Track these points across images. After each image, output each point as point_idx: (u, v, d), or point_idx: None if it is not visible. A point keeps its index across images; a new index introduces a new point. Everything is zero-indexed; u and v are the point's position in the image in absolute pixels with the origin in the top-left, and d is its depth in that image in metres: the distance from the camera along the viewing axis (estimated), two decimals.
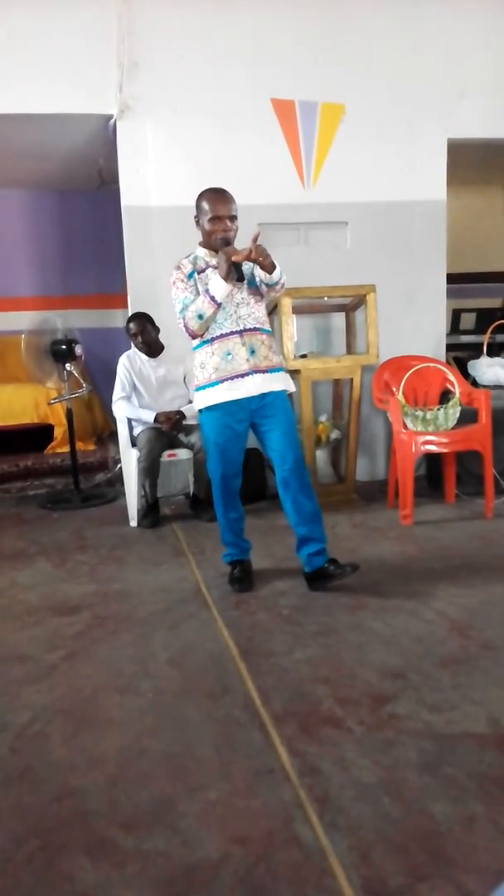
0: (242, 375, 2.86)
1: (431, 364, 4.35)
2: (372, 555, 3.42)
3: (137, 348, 4.24)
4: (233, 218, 2.88)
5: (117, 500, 4.68)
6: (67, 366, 4.72)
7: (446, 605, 2.78)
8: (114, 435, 4.89)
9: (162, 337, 4.26)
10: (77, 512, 4.55)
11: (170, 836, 1.59)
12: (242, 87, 4.43)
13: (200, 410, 2.99)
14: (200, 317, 2.82)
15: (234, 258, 2.74)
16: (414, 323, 4.72)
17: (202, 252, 2.96)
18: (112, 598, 3.06)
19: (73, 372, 4.72)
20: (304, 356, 4.31)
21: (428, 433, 3.88)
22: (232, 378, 2.86)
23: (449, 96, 4.62)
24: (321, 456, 4.49)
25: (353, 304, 4.49)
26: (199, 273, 2.90)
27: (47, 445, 5.51)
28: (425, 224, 4.68)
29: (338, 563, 2.99)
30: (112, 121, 4.43)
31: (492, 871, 1.42)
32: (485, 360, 4.62)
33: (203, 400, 2.94)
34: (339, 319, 4.70)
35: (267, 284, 2.85)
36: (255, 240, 2.71)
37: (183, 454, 4.17)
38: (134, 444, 4.16)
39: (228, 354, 2.86)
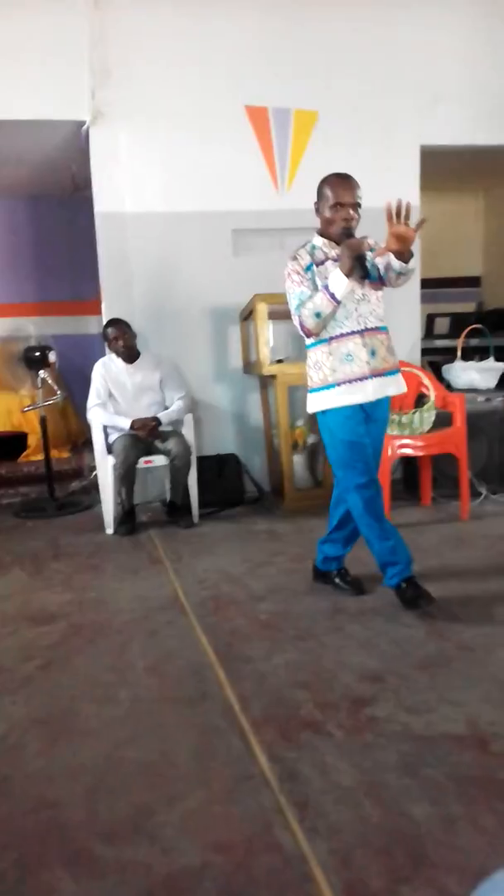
0: (362, 379, 2.65)
1: (406, 368, 4.37)
2: (350, 558, 3.42)
3: (116, 353, 4.22)
4: (357, 206, 2.66)
5: (93, 508, 4.64)
6: (41, 373, 4.68)
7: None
8: (89, 442, 4.86)
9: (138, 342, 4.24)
10: (52, 520, 4.50)
11: (149, 845, 1.57)
12: (216, 93, 4.45)
13: (318, 414, 2.77)
14: (318, 315, 2.59)
15: (392, 249, 2.47)
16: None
17: (321, 242, 2.72)
18: (88, 606, 3.03)
19: (47, 379, 4.68)
20: (280, 361, 4.32)
21: (404, 437, 3.90)
22: (351, 381, 2.66)
23: (422, 103, 4.67)
24: (298, 460, 4.50)
25: None
26: (317, 265, 2.67)
27: (21, 454, 5.46)
28: None
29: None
30: (85, 127, 4.41)
31: (472, 872, 1.42)
32: (459, 365, 4.66)
33: (318, 403, 2.74)
34: None
35: (398, 272, 2.57)
36: (418, 227, 2.47)
37: (159, 461, 4.15)
38: (110, 451, 4.14)
39: (348, 356, 2.65)
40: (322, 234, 2.73)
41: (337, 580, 3.01)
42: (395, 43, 4.60)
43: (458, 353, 4.72)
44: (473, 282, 7.07)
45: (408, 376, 4.34)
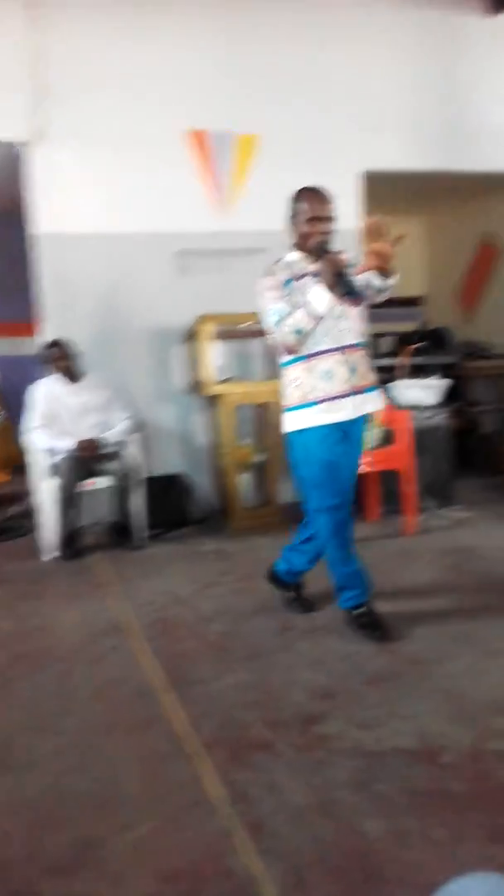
0: (342, 397, 2.58)
1: None
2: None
3: (60, 372, 4.14)
4: (331, 219, 2.61)
5: (34, 533, 4.52)
6: None
7: None
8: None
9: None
10: None
11: (97, 878, 1.51)
12: (157, 115, 4.46)
13: (294, 433, 2.69)
14: (299, 331, 2.51)
15: (371, 266, 2.42)
16: None
17: (298, 256, 2.65)
18: (31, 634, 2.93)
19: None
20: (225, 381, 4.32)
21: None
22: (331, 399, 2.58)
23: (361, 128, 4.78)
24: (245, 479, 4.49)
25: None
26: (296, 280, 2.59)
27: None
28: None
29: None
30: (22, 147, 4.37)
31: (425, 885, 1.41)
32: (404, 382, 4.74)
33: (296, 422, 2.65)
34: (259, 345, 4.75)
35: (378, 289, 2.54)
36: (395, 243, 2.42)
37: (104, 482, 4.08)
38: (53, 474, 4.05)
39: (328, 373, 2.57)
40: (299, 248, 2.66)
41: (292, 596, 2.99)
42: (336, 69, 4.70)
43: (403, 372, 4.80)
44: (416, 302, 7.24)
45: None
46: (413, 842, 1.56)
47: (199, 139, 4.55)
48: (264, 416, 4.65)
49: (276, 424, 4.28)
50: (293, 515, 4.43)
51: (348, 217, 4.82)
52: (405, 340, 5.80)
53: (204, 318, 4.19)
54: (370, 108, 4.78)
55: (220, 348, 4.43)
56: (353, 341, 2.63)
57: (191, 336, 4.47)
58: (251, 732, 2.05)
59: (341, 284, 2.46)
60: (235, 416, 4.30)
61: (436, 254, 6.81)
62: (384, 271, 2.46)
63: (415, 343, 4.99)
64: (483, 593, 3.04)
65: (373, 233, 2.40)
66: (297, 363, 2.62)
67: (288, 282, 2.59)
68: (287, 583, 3.03)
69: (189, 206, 4.55)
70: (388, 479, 4.31)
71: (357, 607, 2.73)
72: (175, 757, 1.95)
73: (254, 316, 4.35)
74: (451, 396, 4.86)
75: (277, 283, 2.59)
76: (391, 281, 2.51)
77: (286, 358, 2.65)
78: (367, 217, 2.42)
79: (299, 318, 2.50)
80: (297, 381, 2.63)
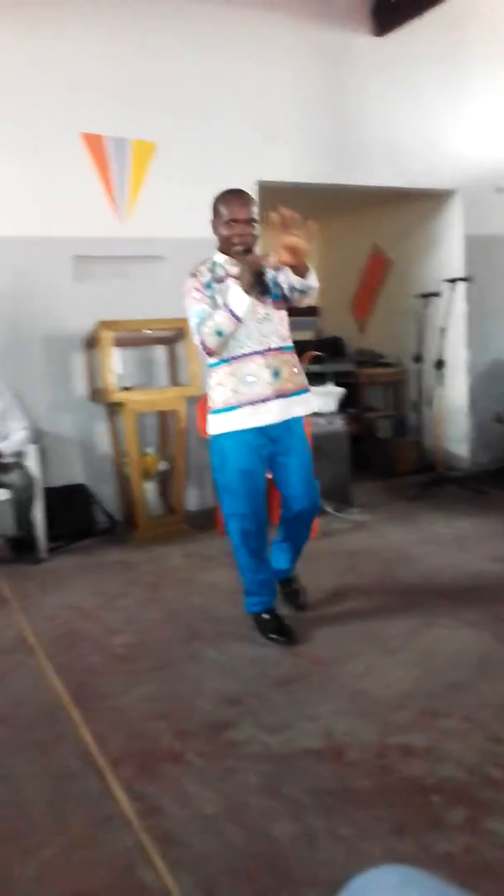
0: (265, 401, 2.56)
1: None
2: (205, 583, 3.43)
3: None
4: (252, 221, 2.56)
5: None
6: None
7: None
8: None
9: None
10: None
11: None
12: (52, 119, 4.37)
13: (214, 436, 2.66)
14: (219, 333, 2.48)
15: (285, 261, 2.37)
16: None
17: (222, 259, 2.63)
18: None
19: None
20: (127, 389, 4.27)
21: None
22: (253, 403, 2.56)
23: (256, 139, 4.86)
24: (149, 488, 4.46)
25: (173, 336, 4.54)
26: (217, 283, 2.57)
27: None
28: None
29: (301, 595, 3.01)
30: None
31: (334, 883, 1.45)
32: None
33: (219, 425, 2.63)
34: (161, 352, 4.74)
35: (300, 290, 2.51)
36: (307, 236, 2.35)
37: (1, 494, 3.95)
38: None
39: (250, 377, 2.55)
40: (221, 251, 2.65)
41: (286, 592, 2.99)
42: (231, 80, 4.76)
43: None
44: (311, 311, 7.42)
45: None
46: (321, 841, 1.60)
47: (96, 144, 4.49)
48: (168, 423, 4.64)
49: (181, 432, 4.29)
50: (199, 522, 4.45)
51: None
52: (300, 349, 5.93)
53: (103, 325, 4.14)
54: (264, 121, 4.87)
55: (122, 355, 4.39)
56: (278, 344, 2.61)
57: (91, 343, 4.40)
58: (160, 744, 2.04)
59: (259, 286, 2.45)
60: (138, 425, 4.27)
61: (329, 264, 7.01)
62: (299, 268, 2.43)
63: (309, 351, 5.10)
64: (381, 593, 3.15)
65: (282, 226, 2.36)
66: (221, 366, 2.61)
67: (209, 284, 2.58)
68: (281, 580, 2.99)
69: (86, 211, 4.48)
70: None
71: (263, 612, 2.77)
72: (84, 774, 1.92)
73: (154, 322, 4.36)
74: (347, 403, 5.02)
75: (200, 285, 2.58)
76: (311, 282, 2.49)
77: (211, 360, 2.63)
78: (275, 211, 2.36)
79: (219, 321, 2.48)
80: (220, 385, 2.62)
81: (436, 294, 5.17)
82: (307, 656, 2.57)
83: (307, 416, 2.75)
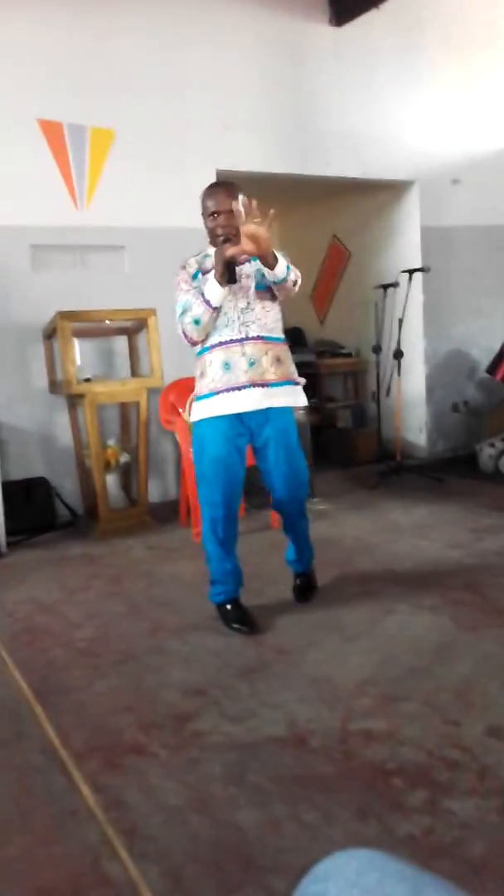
0: (239, 388, 2.58)
1: None
2: (168, 575, 3.43)
3: None
4: (233, 212, 2.51)
5: None
6: None
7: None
8: None
9: None
10: None
11: None
12: (7, 105, 4.28)
13: (193, 423, 2.71)
14: (197, 322, 2.55)
15: (226, 254, 2.42)
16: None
17: (211, 251, 2.68)
18: None
19: None
20: (88, 380, 4.23)
21: None
22: (229, 390, 2.59)
23: (215, 128, 4.83)
24: (111, 480, 4.43)
25: (134, 327, 4.50)
26: (203, 273, 2.62)
27: None
28: (195, 251, 4.82)
29: (308, 586, 3.01)
30: None
31: (299, 869, 1.48)
32: None
33: (197, 412, 2.68)
34: (121, 343, 4.69)
35: (273, 283, 2.56)
36: (268, 223, 2.40)
37: None
38: None
39: (226, 365, 2.59)
40: (210, 243, 2.70)
41: (298, 590, 3.02)
42: (190, 69, 4.72)
43: None
44: None
45: None
46: (285, 828, 1.63)
47: (53, 131, 4.41)
48: (129, 415, 4.61)
49: (142, 424, 4.27)
50: (161, 514, 4.44)
51: (197, 218, 4.88)
52: None
53: (62, 316, 4.08)
54: (223, 109, 4.84)
55: (82, 346, 4.34)
56: (259, 334, 2.62)
57: (49, 334, 4.35)
58: (124, 737, 2.04)
59: (228, 275, 2.48)
60: (99, 417, 4.23)
61: (289, 256, 7.04)
62: (265, 257, 2.48)
63: None
64: (342, 581, 3.19)
65: (242, 215, 2.41)
66: (203, 354, 2.66)
67: (195, 275, 2.65)
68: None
69: (44, 200, 4.41)
70: (253, 474, 4.41)
71: (227, 602, 2.79)
72: (47, 769, 1.91)
73: (114, 313, 4.31)
74: (308, 394, 5.04)
75: (187, 276, 2.65)
76: (278, 272, 2.53)
77: (196, 349, 2.69)
78: (241, 200, 2.44)
79: (196, 310, 2.55)
80: (201, 373, 2.67)
81: (394, 285, 5.23)
82: (270, 645, 2.60)
83: (298, 408, 2.78)
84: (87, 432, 4.17)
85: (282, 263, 2.53)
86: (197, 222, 4.93)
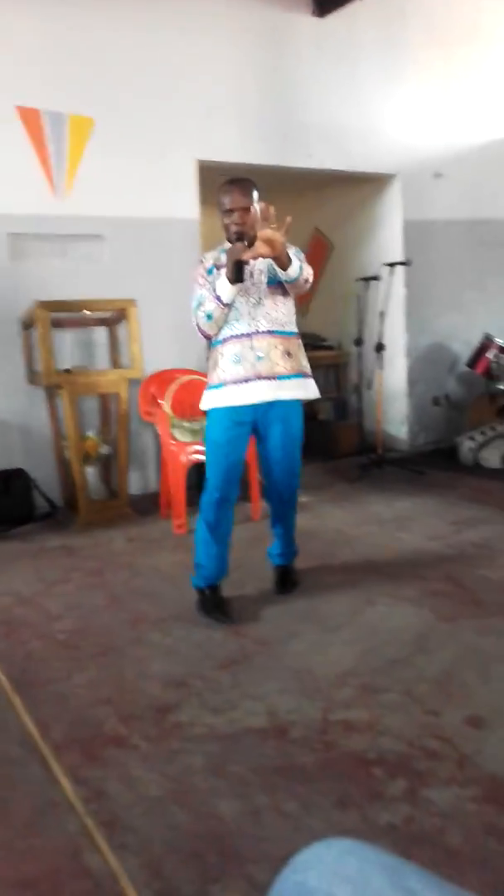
0: (247, 381, 2.66)
1: (195, 376, 4.47)
2: (149, 567, 3.42)
3: None
4: (248, 209, 2.58)
5: None
6: None
7: None
8: None
9: None
10: None
11: None
12: None
13: (205, 411, 2.80)
14: (209, 316, 2.64)
15: (241, 257, 2.49)
16: (176, 337, 4.81)
17: (227, 246, 2.71)
18: None
19: None
20: (67, 371, 4.19)
21: (196, 443, 3.98)
22: (237, 382, 2.67)
23: (197, 117, 4.79)
24: (91, 472, 4.40)
25: (114, 318, 4.46)
26: (218, 269, 2.68)
27: None
28: (182, 241, 4.80)
29: (288, 581, 3.01)
30: None
31: (279, 858, 1.48)
32: None
33: (209, 401, 2.76)
34: (101, 333, 4.65)
35: (286, 281, 2.65)
36: (283, 229, 2.50)
37: None
38: None
39: (236, 357, 2.67)
40: (227, 239, 2.74)
41: (277, 582, 3.05)
42: (172, 58, 4.66)
43: None
44: None
45: (197, 384, 4.45)
46: (265, 818, 1.63)
47: (32, 118, 4.35)
48: (110, 406, 4.58)
49: (122, 415, 4.24)
50: (142, 506, 4.42)
51: (188, 207, 4.85)
52: None
53: (41, 305, 4.03)
54: (205, 99, 4.80)
55: (61, 337, 4.29)
56: (269, 328, 2.68)
57: (28, 324, 4.30)
58: (104, 729, 2.03)
59: (237, 273, 2.55)
60: (79, 408, 4.20)
61: None
62: (280, 259, 2.55)
63: None
64: (323, 573, 3.20)
65: (260, 220, 2.48)
66: (216, 346, 2.75)
67: (210, 270, 2.72)
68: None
69: (23, 188, 4.34)
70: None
71: (206, 588, 2.83)
72: (26, 761, 1.90)
73: (94, 303, 4.28)
74: None
75: (203, 271, 2.73)
76: (292, 273, 2.61)
77: (204, 342, 2.82)
78: (260, 205, 2.49)
79: (209, 306, 2.63)
80: (214, 364, 2.76)
81: (376, 278, 5.23)
82: (251, 637, 2.60)
83: (306, 400, 2.82)
84: (67, 423, 4.14)
85: (295, 264, 2.60)
86: (177, 212, 4.89)
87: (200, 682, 2.27)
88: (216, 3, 4.80)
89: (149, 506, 4.42)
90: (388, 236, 5.79)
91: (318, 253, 6.59)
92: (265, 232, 2.47)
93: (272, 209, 2.49)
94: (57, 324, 4.19)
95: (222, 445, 2.75)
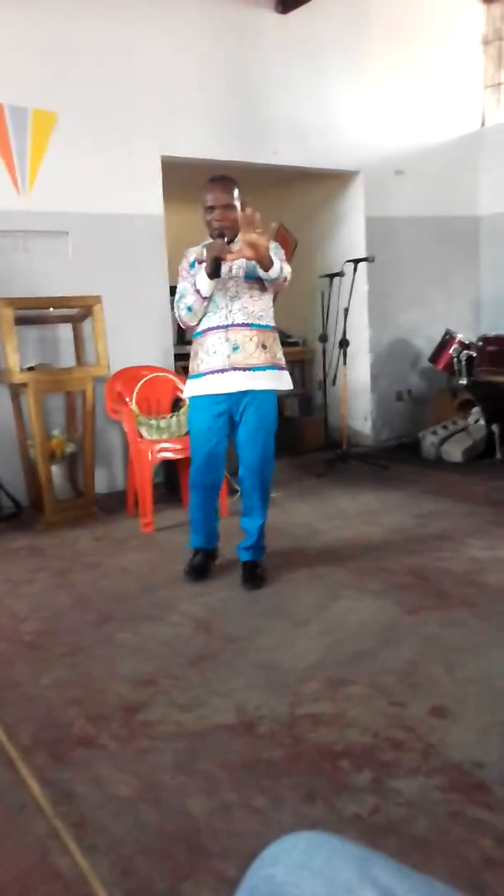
0: (222, 371, 2.81)
1: (161, 373, 4.46)
2: (116, 566, 3.41)
3: None
4: (229, 207, 2.77)
5: None
6: None
7: (190, 605, 2.87)
8: None
9: None
10: None
11: None
12: None
13: (187, 398, 3.00)
14: (189, 309, 2.81)
15: (224, 258, 2.67)
16: (142, 333, 4.79)
17: (210, 242, 2.85)
18: None
19: None
20: (31, 368, 4.15)
21: (163, 441, 3.97)
22: (213, 372, 2.83)
23: (161, 113, 4.76)
24: (57, 471, 4.36)
25: (79, 315, 4.43)
26: (200, 263, 2.82)
27: None
28: (146, 238, 4.77)
29: (255, 576, 3.06)
30: None
31: (249, 854, 1.50)
32: None
33: (189, 389, 2.95)
34: (66, 330, 4.61)
35: (266, 280, 2.78)
36: (269, 233, 2.66)
37: None
38: None
39: (213, 348, 2.83)
40: (209, 234, 2.87)
41: (245, 578, 3.10)
42: (136, 53, 4.63)
43: None
44: None
45: (163, 381, 4.44)
46: (234, 813, 1.64)
47: None
48: (75, 404, 4.54)
49: (88, 413, 4.21)
50: (108, 505, 4.39)
51: (152, 203, 4.83)
52: None
53: (4, 302, 3.98)
54: (169, 95, 4.78)
55: (25, 334, 4.24)
56: (245, 321, 2.81)
57: None
58: (73, 730, 2.03)
59: (215, 268, 2.70)
60: (43, 406, 4.15)
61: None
62: (262, 261, 2.68)
63: None
64: (290, 568, 3.23)
65: (245, 224, 2.61)
66: (196, 338, 2.92)
67: (192, 264, 2.87)
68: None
69: None
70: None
71: (196, 550, 3.16)
72: None
73: (58, 300, 4.24)
74: None
75: (186, 264, 2.90)
76: (272, 274, 2.73)
77: (193, 332, 2.95)
78: (246, 210, 2.63)
79: (189, 299, 2.80)
80: (194, 354, 2.94)
81: (339, 274, 5.27)
82: (219, 633, 2.61)
83: (281, 392, 2.97)
84: (32, 422, 4.09)
85: (276, 265, 2.73)
86: (142, 208, 4.86)
87: (168, 680, 2.28)
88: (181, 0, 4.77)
89: (116, 504, 4.40)
90: (351, 233, 5.83)
91: (283, 249, 6.61)
92: (250, 236, 2.60)
93: (258, 214, 2.59)
94: (21, 320, 4.14)
95: (203, 432, 2.93)
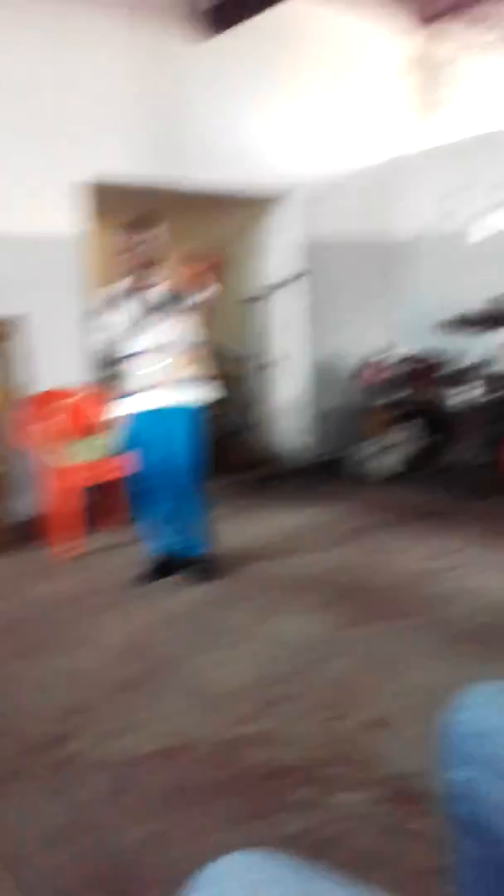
0: (146, 389, 3.14)
1: (79, 396, 4.38)
2: (38, 594, 3.29)
3: None
4: (137, 246, 3.22)
5: None
6: None
7: (118, 630, 2.79)
8: None
9: None
10: None
11: None
12: None
13: (117, 418, 3.29)
14: (104, 342, 3.27)
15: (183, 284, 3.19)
16: (59, 356, 4.66)
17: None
18: None
19: None
20: None
21: (80, 465, 3.89)
22: (137, 392, 3.16)
23: (80, 136, 4.70)
24: None
25: None
26: (112, 299, 3.24)
27: None
28: (65, 260, 4.67)
29: (201, 572, 3.29)
30: None
31: (187, 878, 1.46)
32: None
33: (118, 409, 3.25)
34: None
35: (188, 304, 3.23)
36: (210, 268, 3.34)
37: None
38: None
39: (137, 371, 3.15)
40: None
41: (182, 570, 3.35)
42: (53, 75, 4.54)
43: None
44: None
45: (89, 402, 4.35)
46: (172, 839, 1.60)
47: None
48: None
49: (5, 437, 4.06)
50: (25, 533, 4.20)
51: (69, 225, 4.73)
52: None
53: None
54: (89, 117, 4.71)
55: None
56: (163, 343, 3.15)
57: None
58: (1, 764, 1.93)
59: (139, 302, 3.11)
60: None
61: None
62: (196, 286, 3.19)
63: None
64: (224, 588, 3.19)
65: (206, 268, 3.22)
66: (121, 361, 3.21)
67: (108, 300, 3.24)
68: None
69: None
70: (120, 487, 4.32)
71: (153, 556, 3.34)
72: None
73: None
74: None
75: (102, 301, 3.28)
76: (199, 297, 3.27)
77: (106, 357, 3.32)
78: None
79: (103, 333, 3.24)
80: (119, 377, 3.22)
81: (265, 297, 5.31)
82: (152, 657, 2.55)
83: (197, 404, 3.25)
84: None
85: (199, 295, 3.23)
86: (61, 230, 4.77)
87: (99, 708, 2.21)
88: (98, 21, 4.75)
89: (32, 532, 4.23)
90: (281, 255, 5.91)
91: (216, 269, 6.64)
92: (190, 268, 3.26)
93: (224, 262, 3.31)
94: None
95: (135, 447, 3.21)
